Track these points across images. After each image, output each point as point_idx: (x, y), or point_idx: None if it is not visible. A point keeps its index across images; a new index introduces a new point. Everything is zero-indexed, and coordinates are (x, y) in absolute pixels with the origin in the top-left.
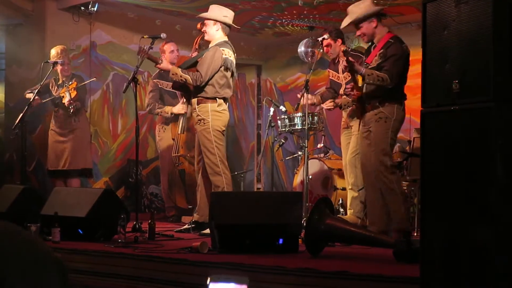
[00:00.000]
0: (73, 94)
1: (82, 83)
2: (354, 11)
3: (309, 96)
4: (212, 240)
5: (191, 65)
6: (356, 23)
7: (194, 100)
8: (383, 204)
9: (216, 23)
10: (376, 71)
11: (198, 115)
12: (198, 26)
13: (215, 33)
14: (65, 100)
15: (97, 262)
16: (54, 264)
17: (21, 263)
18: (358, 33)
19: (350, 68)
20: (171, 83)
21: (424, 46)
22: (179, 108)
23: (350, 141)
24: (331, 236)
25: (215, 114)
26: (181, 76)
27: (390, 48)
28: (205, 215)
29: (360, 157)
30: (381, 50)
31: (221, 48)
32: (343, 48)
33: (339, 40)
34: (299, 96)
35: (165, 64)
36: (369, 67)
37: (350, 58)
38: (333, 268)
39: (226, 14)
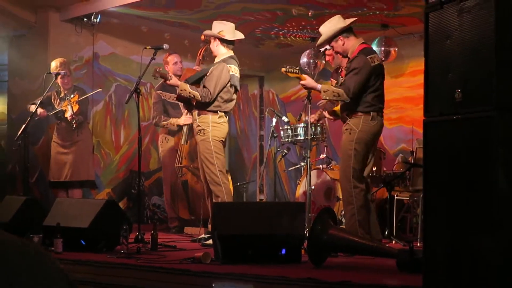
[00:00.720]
0: (75, 108)
1: (84, 96)
2: (323, 31)
3: (313, 116)
4: (214, 250)
5: (197, 80)
6: (327, 44)
7: (195, 112)
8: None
9: (215, 39)
10: (332, 87)
11: (198, 126)
12: (202, 38)
13: (216, 49)
14: (67, 115)
15: (100, 273)
16: (62, 276)
17: (31, 276)
18: (332, 52)
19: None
20: (174, 95)
21: (427, 55)
22: (185, 119)
23: None
24: (334, 246)
25: (215, 125)
26: (189, 93)
27: (353, 61)
28: None
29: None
30: (348, 65)
31: (228, 65)
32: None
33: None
34: (301, 113)
35: (174, 80)
36: (342, 80)
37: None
38: (335, 278)
39: (222, 29)
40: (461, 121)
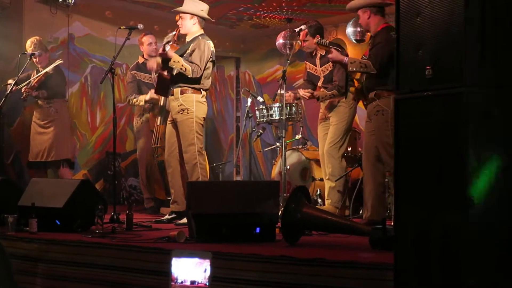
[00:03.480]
0: (34, 81)
1: (44, 70)
2: None
3: (289, 93)
4: (189, 229)
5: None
6: (354, 11)
7: (177, 90)
8: (376, 195)
9: (193, 17)
10: (359, 59)
11: (181, 105)
12: (177, 18)
13: (191, 27)
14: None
15: (75, 252)
16: None
17: None
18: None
19: (333, 61)
20: (148, 75)
21: (398, 33)
22: (150, 95)
23: (328, 132)
24: (308, 225)
25: (198, 105)
26: (182, 65)
27: (377, 36)
28: (183, 204)
29: (363, 146)
30: (370, 40)
31: (208, 41)
32: (315, 40)
33: (318, 37)
34: (277, 92)
35: (169, 52)
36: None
37: (331, 49)
38: (309, 255)
39: (202, 8)
40: (431, 98)
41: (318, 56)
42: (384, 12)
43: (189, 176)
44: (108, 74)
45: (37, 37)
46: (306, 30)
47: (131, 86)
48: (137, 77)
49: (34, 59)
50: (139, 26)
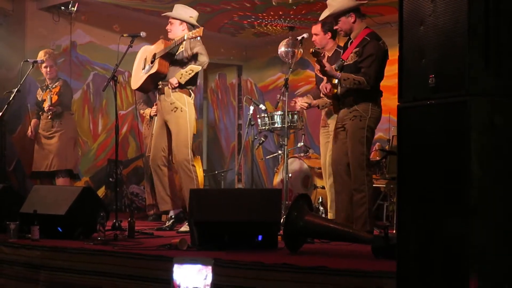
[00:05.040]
0: (54, 98)
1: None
2: (333, 5)
3: (302, 98)
4: (191, 237)
5: (165, 55)
6: (335, 17)
7: (167, 89)
8: (348, 202)
9: (182, 23)
10: (352, 75)
11: (173, 103)
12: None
13: (180, 33)
14: (45, 105)
15: (76, 259)
16: None
17: None
18: (335, 27)
19: (324, 74)
20: None
21: (401, 42)
22: (153, 109)
23: (328, 140)
24: (310, 233)
25: (190, 106)
26: (190, 73)
27: (366, 46)
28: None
29: (331, 153)
30: (357, 48)
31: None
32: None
33: (329, 34)
34: (278, 97)
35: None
36: (345, 63)
37: (323, 62)
38: (311, 263)
39: (192, 15)
40: (434, 107)
41: (326, 57)
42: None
43: (183, 178)
44: (111, 82)
45: (50, 49)
46: (320, 24)
47: (138, 94)
48: None
49: (43, 69)
50: (141, 34)
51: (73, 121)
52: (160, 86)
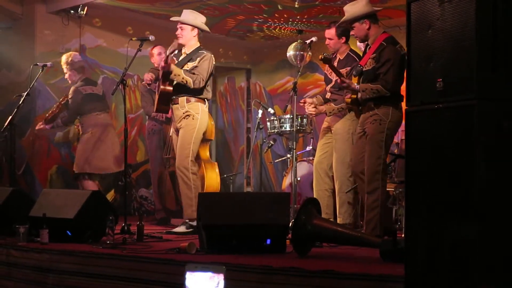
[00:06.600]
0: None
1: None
2: (348, 10)
3: (310, 100)
4: (199, 240)
5: (166, 75)
6: (349, 23)
7: (182, 99)
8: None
9: (194, 28)
10: (370, 85)
11: (187, 111)
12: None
13: (192, 38)
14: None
15: (85, 263)
16: None
17: None
18: (351, 32)
19: (342, 87)
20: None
21: (409, 45)
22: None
23: (328, 142)
24: (318, 236)
25: (204, 114)
26: (183, 78)
27: (383, 52)
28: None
29: (352, 156)
30: (374, 54)
31: (211, 55)
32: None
33: (343, 38)
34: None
35: (171, 65)
36: (363, 69)
37: (340, 75)
38: (319, 267)
39: (202, 20)
40: (442, 110)
41: (337, 59)
42: (378, 19)
43: (180, 185)
44: (120, 85)
45: (72, 54)
46: (334, 28)
47: (144, 98)
48: (153, 89)
49: (68, 72)
50: (150, 38)
51: (113, 127)
52: (174, 97)
